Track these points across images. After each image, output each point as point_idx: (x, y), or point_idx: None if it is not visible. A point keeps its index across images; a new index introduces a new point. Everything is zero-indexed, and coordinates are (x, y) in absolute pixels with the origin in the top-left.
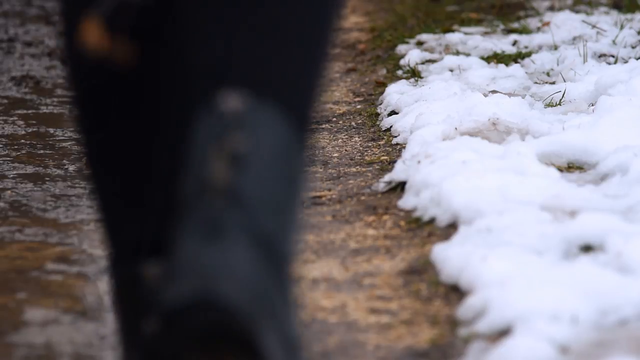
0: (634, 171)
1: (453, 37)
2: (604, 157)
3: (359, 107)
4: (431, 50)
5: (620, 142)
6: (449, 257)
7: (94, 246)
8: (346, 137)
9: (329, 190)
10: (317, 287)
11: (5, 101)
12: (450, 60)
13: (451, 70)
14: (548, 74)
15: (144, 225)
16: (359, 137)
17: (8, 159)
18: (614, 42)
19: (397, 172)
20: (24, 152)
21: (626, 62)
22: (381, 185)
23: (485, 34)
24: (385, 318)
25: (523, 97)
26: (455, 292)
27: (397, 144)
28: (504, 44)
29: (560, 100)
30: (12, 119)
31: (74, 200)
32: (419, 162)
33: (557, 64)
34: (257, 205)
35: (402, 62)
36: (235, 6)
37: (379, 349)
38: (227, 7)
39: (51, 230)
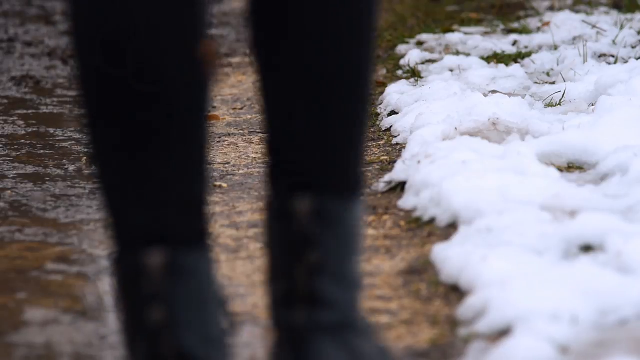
0: (634, 171)
1: (453, 37)
2: (604, 157)
3: None
4: (431, 50)
5: (620, 142)
6: (449, 257)
7: (94, 246)
8: None
9: None
10: None
11: (5, 101)
12: (450, 60)
13: (451, 70)
14: (548, 74)
15: (149, 214)
16: None
17: (8, 159)
18: (614, 42)
19: (397, 172)
20: (24, 152)
21: (626, 62)
22: (381, 185)
23: (485, 34)
24: (385, 318)
25: (523, 97)
26: (455, 292)
27: (397, 144)
28: (504, 44)
29: (560, 100)
30: (12, 119)
31: (74, 200)
32: (419, 162)
33: (557, 64)
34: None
35: (402, 62)
36: None
37: None
38: None
39: (51, 230)
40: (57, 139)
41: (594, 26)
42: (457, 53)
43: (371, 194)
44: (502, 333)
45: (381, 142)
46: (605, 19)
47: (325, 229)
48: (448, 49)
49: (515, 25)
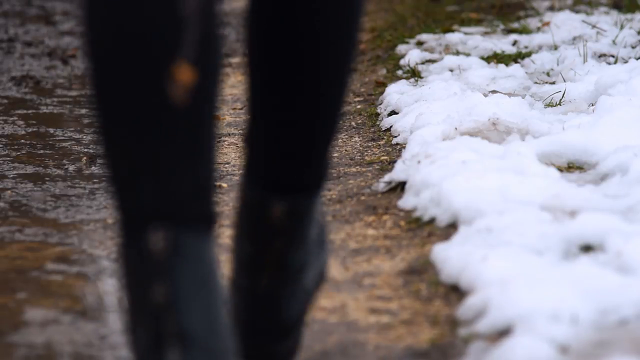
0: (634, 171)
1: (453, 37)
2: (604, 157)
3: (359, 107)
4: (431, 50)
5: (620, 142)
6: (449, 257)
7: (94, 246)
8: (346, 137)
9: (329, 190)
10: None
11: (5, 101)
12: (450, 60)
13: (451, 70)
14: (548, 74)
15: (158, 191)
16: (359, 137)
17: (8, 159)
18: (614, 42)
19: (397, 172)
20: (24, 152)
21: (626, 62)
22: (381, 185)
23: (485, 34)
24: (385, 318)
25: (523, 97)
26: (455, 292)
27: (397, 144)
28: (504, 44)
29: (560, 100)
30: (12, 119)
31: (74, 200)
32: (419, 162)
33: (557, 64)
34: None
35: (402, 62)
36: None
37: (379, 349)
38: None
39: (51, 230)
40: (57, 139)
41: (594, 26)
42: (457, 53)
43: (371, 194)
44: (502, 333)
45: (381, 142)
46: (605, 19)
47: (293, 223)
48: (448, 49)
49: (515, 25)
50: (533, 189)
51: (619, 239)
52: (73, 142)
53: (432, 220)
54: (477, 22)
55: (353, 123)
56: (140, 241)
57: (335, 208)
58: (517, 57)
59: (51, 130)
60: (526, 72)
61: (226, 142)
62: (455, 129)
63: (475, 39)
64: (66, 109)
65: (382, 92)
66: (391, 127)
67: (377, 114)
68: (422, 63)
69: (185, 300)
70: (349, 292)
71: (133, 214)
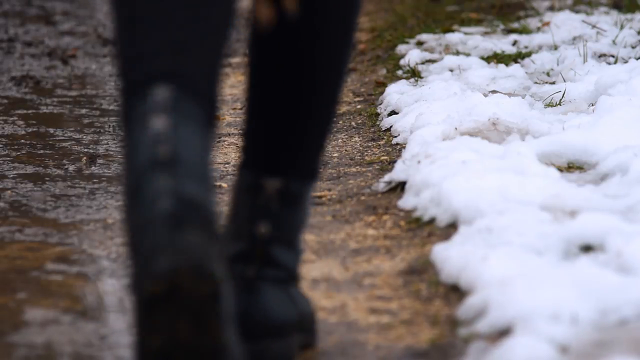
0: (634, 171)
1: (453, 37)
2: (604, 157)
3: (359, 107)
4: (431, 50)
5: (620, 142)
6: (449, 257)
7: (94, 246)
8: (346, 137)
9: (329, 190)
10: (317, 287)
11: (5, 101)
12: (450, 60)
13: (451, 70)
14: (548, 74)
15: (159, 53)
16: (359, 137)
17: (8, 159)
18: (614, 42)
19: (397, 172)
20: (24, 152)
21: (626, 62)
22: (381, 185)
23: (485, 34)
24: (385, 318)
25: (523, 97)
26: (455, 292)
27: (397, 144)
28: (504, 44)
29: (560, 100)
30: (12, 119)
31: (74, 200)
32: (419, 162)
33: (557, 64)
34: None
35: (402, 62)
36: None
37: (379, 349)
38: None
39: (51, 230)
40: (57, 139)
41: (594, 26)
42: (457, 53)
43: (371, 194)
44: (502, 333)
45: (381, 142)
46: (605, 19)
47: (285, 207)
48: (448, 49)
49: (515, 25)
50: (533, 189)
51: (619, 239)
52: (73, 142)
53: (432, 220)
54: (477, 22)
55: (353, 123)
56: (145, 96)
57: (335, 208)
58: (517, 57)
59: (51, 130)
60: (526, 72)
61: (226, 142)
62: (455, 129)
63: (475, 39)
64: (66, 109)
65: (382, 92)
66: (391, 127)
67: (377, 114)
68: (422, 63)
69: (183, 133)
70: (349, 292)
71: (140, 74)
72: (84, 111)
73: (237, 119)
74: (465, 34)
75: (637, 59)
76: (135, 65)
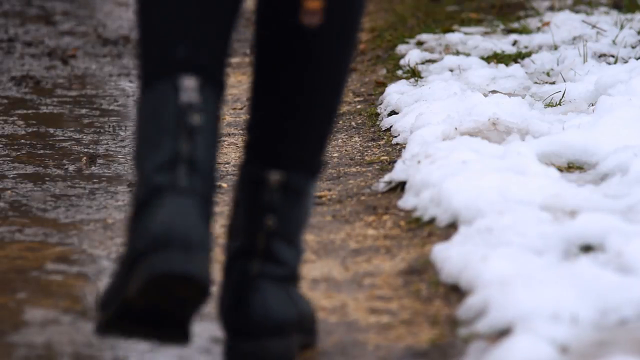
0: (634, 171)
1: (453, 37)
2: (604, 157)
3: (359, 107)
4: (431, 50)
5: (620, 142)
6: (449, 257)
7: (94, 246)
8: (346, 137)
9: (329, 190)
10: (317, 287)
11: (5, 101)
12: (450, 60)
13: (451, 70)
14: (548, 74)
15: (187, 44)
16: (359, 137)
17: (8, 159)
18: (614, 42)
19: (397, 172)
20: (24, 152)
21: (626, 62)
22: (381, 185)
23: (485, 34)
24: (385, 318)
25: (523, 97)
26: (455, 292)
27: (397, 144)
28: (504, 44)
29: (560, 100)
30: (12, 119)
31: (74, 200)
32: (419, 162)
33: (557, 64)
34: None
35: (402, 62)
36: None
37: (379, 349)
38: None
39: (51, 230)
40: (57, 139)
41: (594, 26)
42: (457, 53)
43: (371, 194)
44: (502, 333)
45: (381, 142)
46: (605, 19)
47: (287, 201)
48: (448, 49)
49: (515, 25)
50: (533, 188)
51: (619, 239)
52: (73, 142)
53: (432, 220)
54: (477, 22)
55: (353, 123)
56: (173, 82)
57: (335, 208)
58: (517, 57)
59: (51, 130)
60: (526, 72)
61: (226, 142)
62: (455, 129)
63: (475, 39)
64: (66, 109)
65: (382, 92)
66: (391, 127)
67: (377, 114)
68: (422, 63)
69: (203, 137)
70: (349, 292)
71: (165, 63)
72: (84, 111)
73: (237, 119)
74: (465, 34)
75: (637, 59)
76: (161, 53)
